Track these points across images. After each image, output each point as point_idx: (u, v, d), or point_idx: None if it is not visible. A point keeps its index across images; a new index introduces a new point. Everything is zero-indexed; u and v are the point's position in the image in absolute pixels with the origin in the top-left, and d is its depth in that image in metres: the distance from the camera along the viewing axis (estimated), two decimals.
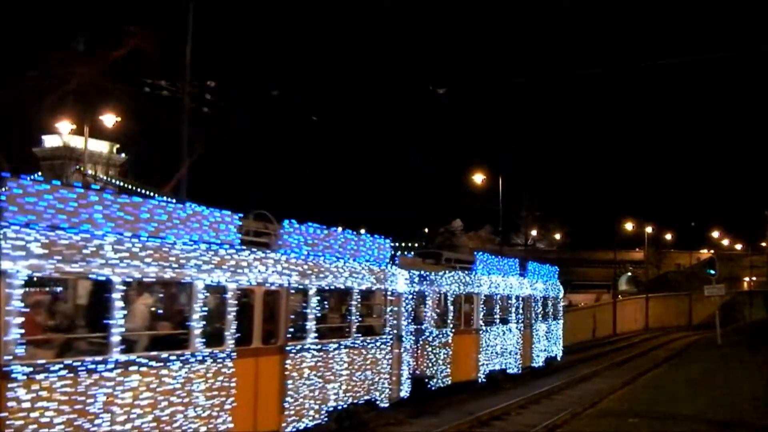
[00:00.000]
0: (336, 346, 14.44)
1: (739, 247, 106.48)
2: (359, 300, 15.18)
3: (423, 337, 19.15)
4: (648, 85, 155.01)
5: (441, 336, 20.07)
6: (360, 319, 15.28)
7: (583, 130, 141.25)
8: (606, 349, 42.22)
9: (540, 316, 26.87)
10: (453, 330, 20.59)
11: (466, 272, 21.88)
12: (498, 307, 23.24)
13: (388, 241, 16.75)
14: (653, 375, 27.31)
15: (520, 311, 25.04)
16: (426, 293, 19.53)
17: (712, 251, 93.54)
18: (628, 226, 75.92)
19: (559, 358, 29.31)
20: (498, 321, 23.22)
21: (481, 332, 22.10)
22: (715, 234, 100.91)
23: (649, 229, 78.17)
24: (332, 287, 14.44)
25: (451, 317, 20.63)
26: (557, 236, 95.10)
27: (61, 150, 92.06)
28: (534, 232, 71.23)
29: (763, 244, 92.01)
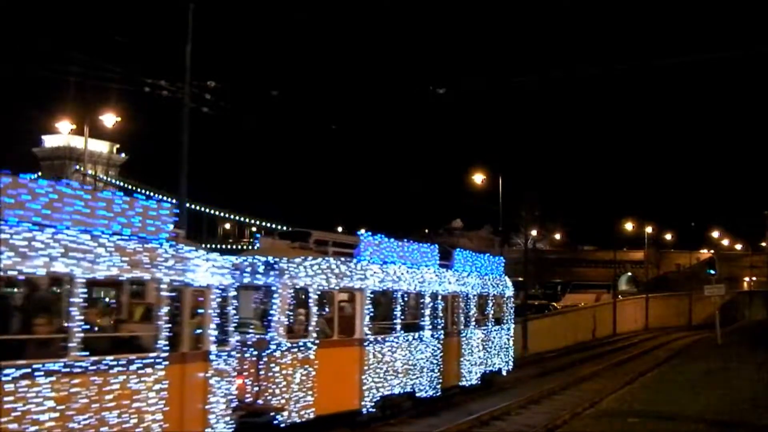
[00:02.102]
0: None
1: (739, 247, 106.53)
2: (84, 296, 9.65)
3: (268, 352, 13.83)
4: (648, 85, 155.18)
5: (297, 350, 14.21)
6: (88, 327, 9.84)
7: (584, 131, 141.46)
8: (606, 349, 42.21)
9: (474, 319, 21.24)
10: (317, 341, 14.62)
11: (345, 260, 15.86)
12: (399, 307, 17.20)
13: (166, 204, 11.62)
14: (653, 375, 27.30)
15: (440, 314, 19.11)
16: (275, 288, 14.11)
17: (712, 251, 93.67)
18: (628, 226, 75.91)
19: (505, 372, 23.67)
20: (400, 327, 17.21)
21: (367, 343, 15.92)
22: (715, 234, 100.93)
23: (649, 229, 78.18)
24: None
25: (314, 322, 14.63)
26: (557, 236, 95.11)
27: (61, 150, 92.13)
28: (534, 232, 71.04)
29: (763, 244, 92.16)
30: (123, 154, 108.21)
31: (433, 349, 18.68)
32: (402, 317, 17.47)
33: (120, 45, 19.37)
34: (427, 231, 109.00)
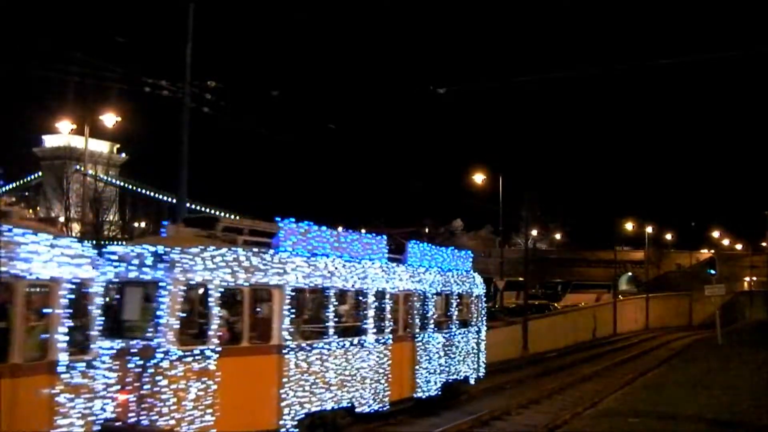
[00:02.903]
0: None
1: (739, 247, 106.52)
2: None
3: (154, 362, 11.56)
4: (648, 85, 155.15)
5: (192, 359, 11.86)
6: None
7: (584, 130, 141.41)
8: (606, 349, 42.24)
9: (434, 322, 18.67)
10: (219, 348, 12.26)
11: (260, 251, 13.41)
12: (333, 308, 14.85)
13: None
14: (653, 375, 27.31)
15: (389, 315, 16.65)
16: (164, 284, 11.88)
17: (712, 251, 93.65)
18: (628, 226, 75.91)
19: (474, 381, 21.01)
20: (333, 331, 14.72)
21: (287, 351, 13.43)
22: (715, 234, 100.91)
23: (649, 229, 78.17)
24: None
25: (215, 326, 12.32)
26: (557, 236, 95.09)
27: (61, 150, 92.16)
28: (534, 232, 71.10)
29: (763, 244, 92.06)
30: (123, 154, 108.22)
31: (378, 357, 16.06)
32: (336, 320, 14.89)
33: (120, 45, 19.34)
34: (427, 231, 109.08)
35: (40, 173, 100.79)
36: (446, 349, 19.20)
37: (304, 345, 13.91)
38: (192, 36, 19.37)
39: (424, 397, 18.07)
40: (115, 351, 11.52)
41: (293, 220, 14.36)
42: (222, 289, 12.46)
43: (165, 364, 11.59)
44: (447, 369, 19.19)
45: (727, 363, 28.40)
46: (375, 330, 16.10)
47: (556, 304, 59.18)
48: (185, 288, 12.06)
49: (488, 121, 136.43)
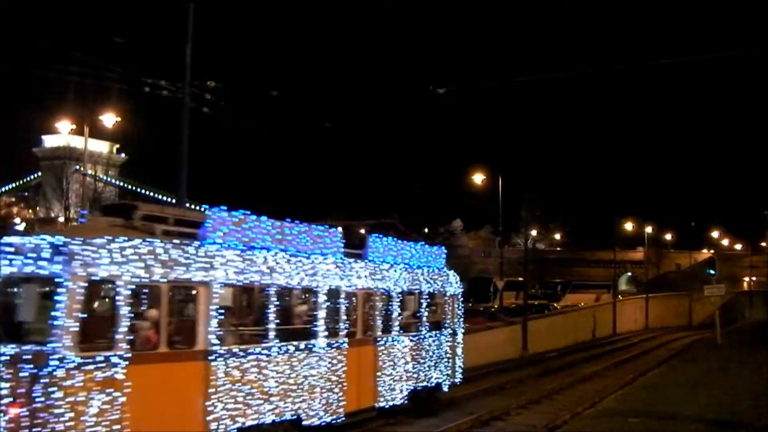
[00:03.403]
0: None
1: (739, 247, 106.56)
2: None
3: (48, 371, 9.91)
4: (648, 85, 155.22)
5: (95, 367, 10.21)
6: None
7: (584, 130, 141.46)
8: (606, 349, 42.23)
9: (400, 324, 16.99)
10: (129, 355, 10.58)
11: (183, 243, 11.62)
12: (273, 308, 13.10)
13: None
14: (653, 375, 27.31)
15: (344, 317, 15.09)
16: (61, 280, 10.23)
17: (712, 251, 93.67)
18: (628, 226, 75.93)
19: (447, 388, 19.22)
20: (274, 335, 13.03)
21: (215, 357, 11.79)
22: (715, 234, 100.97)
23: (649, 229, 78.19)
24: None
25: (123, 329, 10.63)
26: (557, 236, 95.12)
27: (61, 150, 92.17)
28: (534, 232, 71.11)
29: (763, 244, 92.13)
30: (123, 154, 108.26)
31: (331, 363, 14.40)
32: (278, 322, 13.14)
33: (120, 45, 19.33)
34: (427, 231, 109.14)
35: (39, 173, 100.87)
36: (414, 353, 17.54)
37: (236, 351, 12.23)
38: (192, 36, 19.39)
39: (387, 406, 16.41)
40: (7, 357, 10.04)
41: (225, 208, 12.78)
42: (133, 286, 10.79)
43: (60, 373, 9.89)
44: (415, 375, 17.48)
45: (727, 363, 28.39)
46: (327, 333, 14.43)
47: (555, 304, 59.19)
48: (86, 284, 10.34)
49: (488, 121, 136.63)
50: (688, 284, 75.10)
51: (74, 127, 43.55)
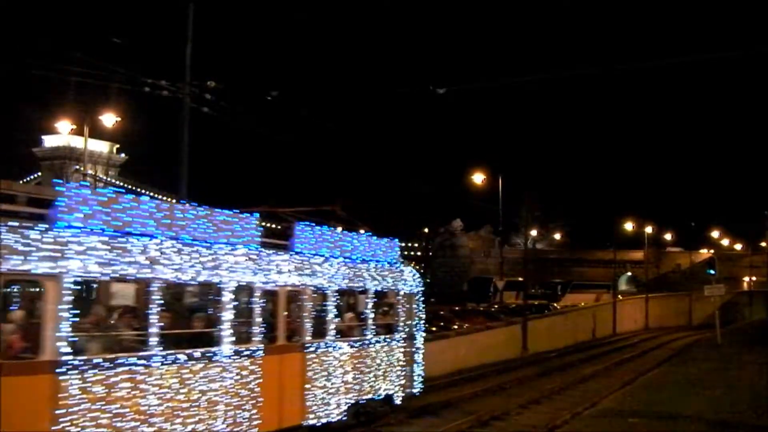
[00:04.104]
0: None
1: (739, 247, 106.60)
2: None
3: None
4: (648, 85, 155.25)
5: None
6: None
7: (584, 130, 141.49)
8: (606, 349, 42.21)
9: (338, 327, 14.86)
10: None
11: (22, 225, 9.40)
12: (155, 308, 10.76)
13: None
14: (653, 375, 27.31)
15: (259, 318, 12.72)
16: None
17: (712, 251, 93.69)
18: (628, 226, 75.98)
19: (400, 400, 16.93)
20: (156, 341, 10.66)
21: (67, 370, 9.48)
22: (715, 234, 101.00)
23: (649, 229, 78.23)
24: None
25: None
26: (557, 236, 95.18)
27: (61, 150, 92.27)
28: (534, 232, 71.22)
29: (763, 244, 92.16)
30: (123, 154, 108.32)
31: (239, 375, 12.09)
32: (162, 325, 10.78)
33: (120, 45, 19.32)
34: (426, 231, 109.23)
35: (39, 173, 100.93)
36: (357, 361, 15.21)
37: (100, 361, 9.83)
38: (192, 36, 19.38)
39: (319, 424, 14.14)
40: None
41: (87, 183, 11.27)
42: None
43: None
44: (358, 387, 15.16)
45: (727, 363, 28.40)
46: (235, 338, 12.03)
47: (555, 304, 59.22)
48: None
49: (488, 121, 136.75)
50: (688, 284, 75.14)
51: (74, 127, 43.58)
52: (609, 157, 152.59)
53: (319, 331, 14.22)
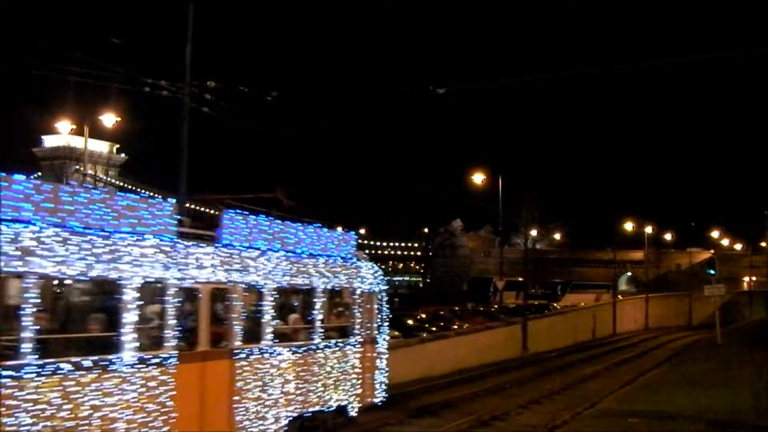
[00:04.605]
0: None
1: (739, 247, 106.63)
2: None
3: None
4: (648, 85, 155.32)
5: None
6: None
7: (583, 130, 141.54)
8: (606, 349, 42.22)
9: (277, 330, 12.97)
10: None
11: None
12: (29, 309, 8.95)
13: None
14: (653, 375, 27.31)
15: (172, 321, 10.81)
16: None
17: (712, 251, 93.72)
18: (628, 226, 76.01)
19: (355, 412, 15.04)
20: (30, 349, 8.83)
21: None
22: (715, 234, 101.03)
23: (649, 229, 78.25)
24: None
25: None
26: (557, 236, 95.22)
27: (61, 150, 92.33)
28: (534, 232, 71.23)
29: (763, 244, 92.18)
30: (123, 154, 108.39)
31: (145, 387, 10.25)
32: (38, 329, 9.00)
33: (120, 45, 19.32)
34: (426, 231, 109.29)
35: (39, 173, 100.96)
36: (300, 369, 13.39)
37: None
38: (192, 36, 19.39)
39: None
40: None
41: None
42: None
43: None
44: (302, 398, 13.38)
45: (727, 363, 28.40)
46: (140, 345, 10.23)
47: (555, 304, 59.25)
48: None
49: (488, 121, 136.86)
50: (688, 284, 75.15)
51: (74, 127, 43.62)
52: (609, 157, 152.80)
53: (253, 335, 12.38)
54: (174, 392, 10.58)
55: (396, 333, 30.05)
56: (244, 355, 12.10)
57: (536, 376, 27.74)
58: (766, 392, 20.20)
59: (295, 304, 14.26)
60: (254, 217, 13.14)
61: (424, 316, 38.92)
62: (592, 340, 48.99)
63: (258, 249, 12.81)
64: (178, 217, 11.60)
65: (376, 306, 15.87)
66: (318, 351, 13.96)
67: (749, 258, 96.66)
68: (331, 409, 14.37)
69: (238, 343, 11.99)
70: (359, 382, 15.14)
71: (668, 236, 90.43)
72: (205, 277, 11.45)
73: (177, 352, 10.72)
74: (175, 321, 10.79)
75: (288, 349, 13.14)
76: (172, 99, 19.16)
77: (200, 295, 11.46)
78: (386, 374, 16.13)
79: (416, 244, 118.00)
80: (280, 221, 13.82)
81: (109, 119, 34.69)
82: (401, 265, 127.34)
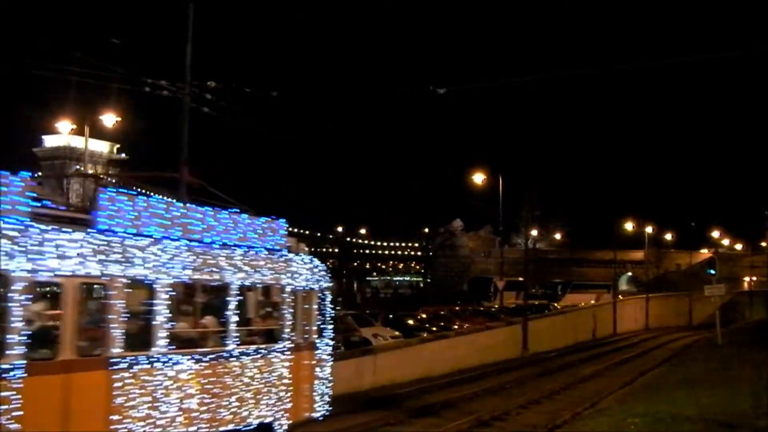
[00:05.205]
0: None
1: (739, 247, 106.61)
2: None
3: None
4: (648, 85, 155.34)
5: None
6: None
7: (584, 130, 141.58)
8: (606, 349, 42.24)
9: (174, 334, 10.87)
10: None
11: None
12: None
13: None
14: (653, 375, 27.33)
15: (18, 324, 8.69)
16: None
17: (712, 251, 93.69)
18: (628, 226, 75.99)
19: (284, 428, 12.93)
20: None
21: None
22: (715, 234, 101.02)
23: (649, 229, 78.24)
24: None
25: None
26: (557, 236, 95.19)
27: (61, 150, 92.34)
28: (534, 232, 71.21)
29: (763, 244, 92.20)
30: (123, 154, 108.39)
31: None
32: None
33: (120, 45, 19.33)
34: (426, 231, 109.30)
35: (39, 173, 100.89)
36: (207, 381, 11.18)
37: None
38: (192, 36, 19.39)
39: None
40: None
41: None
42: None
43: None
44: (208, 416, 11.21)
45: (727, 363, 28.38)
46: None
47: (555, 304, 59.25)
48: None
49: (488, 121, 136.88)
50: (688, 284, 75.10)
51: (74, 127, 43.58)
52: (609, 157, 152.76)
53: (141, 341, 10.28)
54: (20, 412, 8.45)
55: (396, 333, 30.16)
56: (125, 365, 9.91)
57: (536, 376, 27.75)
58: (766, 392, 20.19)
59: (204, 303, 12.01)
60: (144, 198, 10.99)
61: (424, 316, 38.97)
62: (593, 340, 48.99)
63: (150, 237, 10.62)
64: (33, 194, 9.39)
65: (315, 306, 13.69)
66: (232, 359, 11.67)
67: (749, 258, 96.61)
68: (250, 428, 12.09)
69: (117, 351, 9.83)
70: (289, 394, 12.85)
71: (668, 236, 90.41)
72: (69, 269, 9.35)
73: (24, 361, 8.63)
74: (22, 323, 8.69)
75: (190, 357, 10.83)
76: (173, 99, 19.17)
77: (64, 291, 9.37)
78: (330, 384, 14.00)
79: (416, 244, 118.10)
80: (181, 204, 11.77)
81: (109, 119, 34.69)
82: (401, 265, 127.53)
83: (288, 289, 13.06)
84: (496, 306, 51.04)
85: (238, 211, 12.89)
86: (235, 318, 11.84)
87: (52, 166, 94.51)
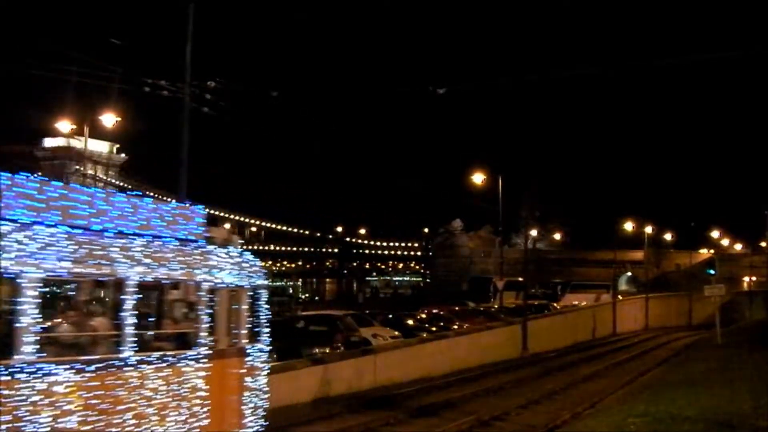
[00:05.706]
0: None
1: (739, 247, 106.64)
2: None
3: None
4: (648, 85, 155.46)
5: None
6: None
7: (583, 130, 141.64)
8: (606, 349, 42.22)
9: (42, 338, 8.67)
10: None
11: None
12: None
13: None
14: (653, 375, 27.32)
15: None
16: None
17: (712, 251, 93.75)
18: (628, 226, 76.00)
19: None
20: None
21: None
22: (715, 234, 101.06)
23: (649, 229, 78.26)
24: None
25: None
26: (557, 236, 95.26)
27: (61, 150, 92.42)
28: (534, 232, 71.27)
29: (763, 244, 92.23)
30: (123, 155, 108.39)
31: None
32: None
33: (119, 45, 19.35)
34: (426, 231, 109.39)
35: (39, 173, 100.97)
36: (93, 396, 9.07)
37: None
38: (192, 36, 19.39)
39: None
40: None
41: None
42: None
43: None
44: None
45: (727, 363, 28.37)
46: None
47: (555, 304, 59.24)
48: None
49: (488, 120, 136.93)
50: (688, 284, 75.12)
51: (74, 127, 43.60)
52: (609, 157, 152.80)
53: None
54: None
55: (396, 333, 30.15)
56: None
57: (536, 376, 27.73)
58: (766, 392, 20.19)
59: (92, 302, 10.42)
60: (9, 176, 8.92)
61: (424, 316, 38.95)
62: (592, 340, 48.97)
63: (13, 221, 8.69)
64: None
65: (245, 306, 11.76)
66: (127, 368, 9.63)
67: (749, 258, 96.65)
68: None
69: None
70: (206, 409, 10.71)
71: (668, 236, 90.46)
72: None
73: None
74: None
75: (68, 366, 8.85)
76: (173, 99, 19.17)
77: None
78: (265, 396, 12.07)
79: (416, 244, 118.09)
80: (61, 184, 9.73)
81: (109, 119, 34.71)
82: (401, 265, 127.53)
83: (205, 286, 10.89)
84: (496, 306, 51.02)
85: (140, 193, 11.15)
86: (133, 320, 9.75)
87: (51, 166, 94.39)
